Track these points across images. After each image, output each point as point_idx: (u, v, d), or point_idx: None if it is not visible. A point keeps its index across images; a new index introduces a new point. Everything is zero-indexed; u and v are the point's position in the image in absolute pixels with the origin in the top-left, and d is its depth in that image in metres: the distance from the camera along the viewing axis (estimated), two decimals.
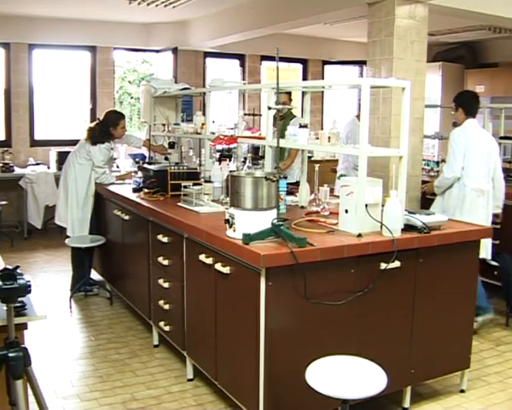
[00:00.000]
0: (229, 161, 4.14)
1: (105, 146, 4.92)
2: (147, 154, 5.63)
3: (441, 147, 7.96)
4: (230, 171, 3.60)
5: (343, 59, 9.51)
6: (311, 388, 2.23)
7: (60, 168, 6.23)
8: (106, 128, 4.95)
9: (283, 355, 2.66)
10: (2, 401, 2.01)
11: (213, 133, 4.29)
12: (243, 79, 8.36)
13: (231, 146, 4.17)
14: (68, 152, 5.32)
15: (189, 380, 3.50)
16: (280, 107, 2.98)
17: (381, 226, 2.89)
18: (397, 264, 2.86)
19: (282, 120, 4.83)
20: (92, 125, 5.11)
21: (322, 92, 8.68)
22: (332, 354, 2.46)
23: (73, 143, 5.75)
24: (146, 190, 4.22)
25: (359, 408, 2.66)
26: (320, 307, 2.69)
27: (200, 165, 4.71)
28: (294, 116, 5.21)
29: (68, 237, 4.94)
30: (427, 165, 6.26)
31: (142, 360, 3.80)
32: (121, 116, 5.11)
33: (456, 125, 6.50)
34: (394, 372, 2.72)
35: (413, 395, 3.20)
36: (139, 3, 6.37)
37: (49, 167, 7.35)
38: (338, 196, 3.07)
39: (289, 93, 5.23)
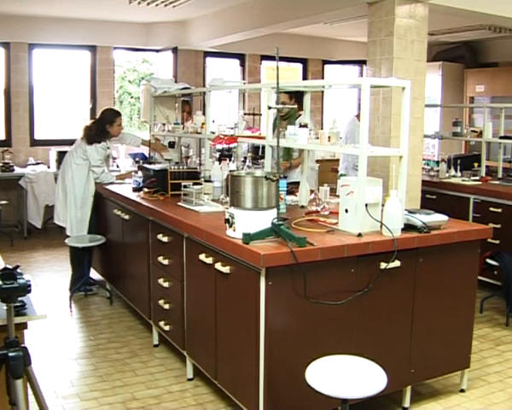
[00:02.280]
0: (229, 160, 4.14)
1: (101, 145, 4.90)
2: (147, 153, 5.63)
3: (441, 146, 7.97)
4: (230, 170, 3.59)
5: (343, 58, 9.51)
6: (311, 387, 2.23)
7: (60, 168, 6.22)
8: (102, 126, 4.95)
9: (283, 355, 2.66)
10: (2, 400, 2.01)
11: (213, 133, 4.29)
12: (243, 79, 8.35)
13: (231, 146, 4.17)
14: None
15: (189, 380, 3.50)
16: (280, 106, 2.98)
17: (381, 226, 2.89)
18: (397, 264, 2.86)
19: (287, 119, 4.77)
20: (89, 123, 5.10)
21: (322, 92, 8.67)
22: (332, 353, 2.46)
23: (73, 142, 5.74)
24: (146, 190, 4.23)
25: (359, 408, 2.67)
26: (320, 306, 2.69)
27: (200, 164, 4.72)
28: (300, 114, 5.14)
29: (68, 236, 4.94)
30: (428, 164, 6.26)
31: (142, 359, 3.80)
32: (117, 114, 5.10)
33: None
34: (394, 372, 2.73)
35: (413, 394, 3.20)
36: (139, 3, 6.37)
37: (49, 167, 7.35)
38: (338, 196, 3.07)
39: (290, 93, 5.10)
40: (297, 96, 4.56)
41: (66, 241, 4.86)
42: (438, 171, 5.88)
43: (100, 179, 4.92)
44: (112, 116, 5.02)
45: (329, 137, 3.25)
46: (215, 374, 3.11)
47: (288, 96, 4.66)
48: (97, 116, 5.12)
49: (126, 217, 4.31)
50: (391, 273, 2.87)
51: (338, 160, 6.44)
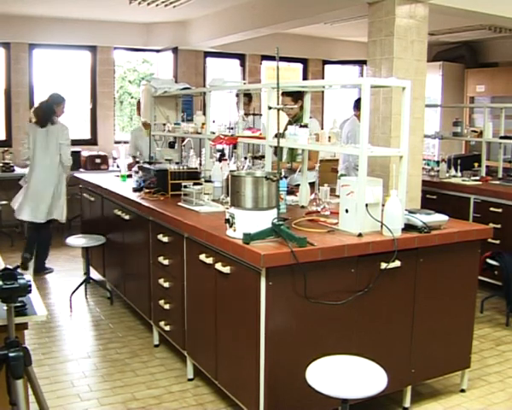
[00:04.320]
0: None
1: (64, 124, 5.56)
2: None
3: (441, 146, 7.97)
4: (230, 170, 3.59)
5: (343, 58, 9.51)
6: (312, 387, 2.23)
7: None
8: (50, 105, 5.51)
9: (283, 355, 2.66)
10: (2, 400, 2.01)
11: (213, 133, 4.29)
12: (243, 79, 8.35)
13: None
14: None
15: (190, 380, 3.50)
16: (280, 106, 2.98)
17: (382, 226, 2.89)
18: (397, 264, 2.86)
19: (296, 121, 4.68)
20: (37, 106, 5.57)
21: (323, 92, 8.67)
22: (332, 353, 2.46)
23: (73, 142, 5.75)
24: (146, 190, 4.23)
25: (359, 408, 2.66)
26: (320, 306, 2.69)
27: (200, 164, 4.71)
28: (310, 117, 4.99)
29: (67, 235, 4.92)
30: (428, 164, 6.27)
31: (142, 359, 3.80)
32: (63, 99, 5.64)
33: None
34: (394, 372, 2.72)
35: (413, 394, 3.20)
36: (139, 3, 6.37)
37: None
38: (338, 196, 3.07)
39: (294, 95, 4.91)
40: (302, 98, 4.48)
41: (67, 241, 4.86)
42: (438, 171, 5.88)
43: (70, 162, 5.58)
44: (59, 98, 5.61)
45: (329, 137, 3.25)
46: (215, 374, 3.11)
47: (291, 98, 4.54)
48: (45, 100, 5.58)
49: (126, 217, 4.31)
50: (391, 273, 2.87)
51: (338, 160, 6.44)
